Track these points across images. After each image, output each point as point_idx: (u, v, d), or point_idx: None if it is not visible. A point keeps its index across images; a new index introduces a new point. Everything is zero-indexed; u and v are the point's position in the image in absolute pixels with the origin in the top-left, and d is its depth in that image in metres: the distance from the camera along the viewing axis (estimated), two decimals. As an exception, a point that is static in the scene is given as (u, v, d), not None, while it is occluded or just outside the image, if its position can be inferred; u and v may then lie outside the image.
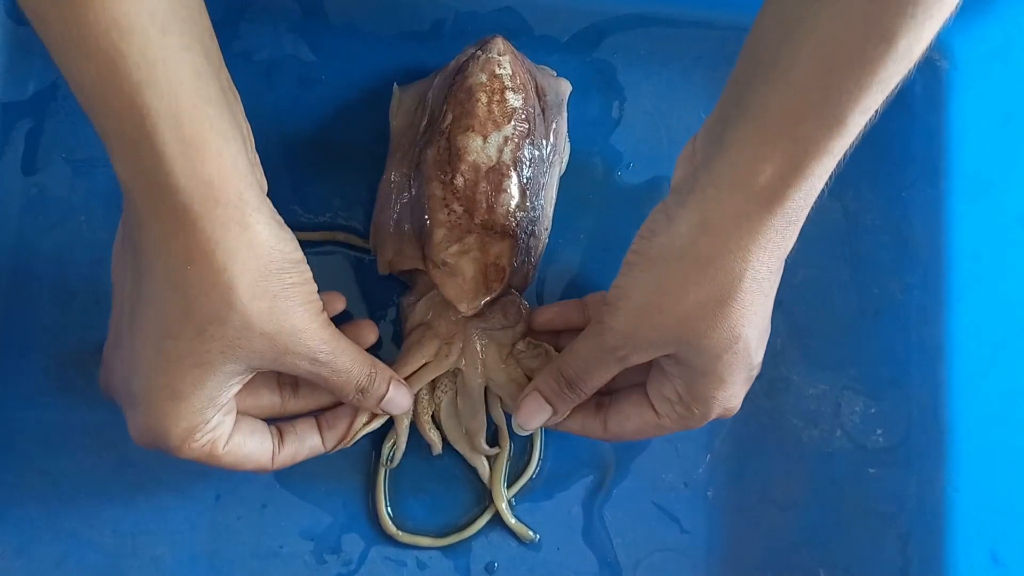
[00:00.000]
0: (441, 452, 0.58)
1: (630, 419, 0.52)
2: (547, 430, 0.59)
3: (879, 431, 0.61)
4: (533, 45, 0.63)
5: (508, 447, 0.59)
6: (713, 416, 0.50)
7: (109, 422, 0.58)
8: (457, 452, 0.58)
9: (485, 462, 0.58)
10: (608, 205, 0.62)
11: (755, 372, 0.50)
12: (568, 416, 0.54)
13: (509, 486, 0.59)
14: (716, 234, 0.44)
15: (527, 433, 0.56)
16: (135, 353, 0.46)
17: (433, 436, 0.57)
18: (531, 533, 0.58)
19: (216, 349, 0.45)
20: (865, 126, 0.42)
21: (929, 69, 0.65)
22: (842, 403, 0.61)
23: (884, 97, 0.42)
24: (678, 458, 0.60)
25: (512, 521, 0.58)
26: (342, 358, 0.50)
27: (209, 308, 0.44)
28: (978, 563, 0.59)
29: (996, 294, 0.62)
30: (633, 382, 0.53)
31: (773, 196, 0.43)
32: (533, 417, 0.54)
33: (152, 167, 0.41)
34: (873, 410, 0.61)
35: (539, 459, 0.59)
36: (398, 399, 0.53)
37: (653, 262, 0.46)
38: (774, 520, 0.60)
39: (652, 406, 0.51)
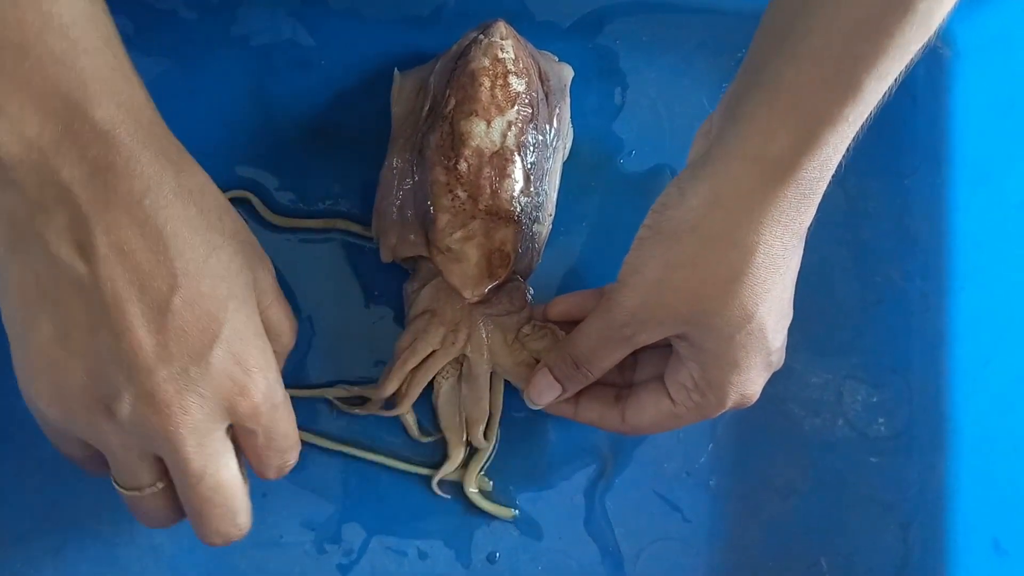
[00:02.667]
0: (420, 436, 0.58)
1: (647, 409, 0.52)
2: (550, 418, 0.59)
3: (881, 420, 0.61)
4: (534, 31, 0.62)
5: (495, 441, 0.58)
6: (730, 404, 0.49)
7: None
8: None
9: (463, 453, 0.58)
10: (610, 193, 0.62)
11: (774, 359, 0.49)
12: (586, 407, 0.54)
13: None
14: (728, 207, 0.44)
15: (538, 408, 0.55)
16: (188, 304, 0.41)
17: (410, 420, 0.57)
18: (511, 510, 0.58)
19: (241, 253, 0.43)
20: (885, 95, 0.42)
21: (932, 57, 0.65)
22: (844, 392, 0.61)
23: (903, 65, 0.41)
24: (680, 447, 0.60)
25: (486, 504, 0.58)
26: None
27: (210, 202, 0.43)
28: (980, 551, 0.59)
29: (998, 282, 0.62)
30: (653, 375, 0.53)
31: (786, 167, 0.42)
32: (542, 394, 0.53)
33: (135, 98, 0.40)
34: (875, 399, 0.61)
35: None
36: None
37: (664, 237, 0.45)
38: (776, 509, 0.60)
39: (669, 395, 0.51)
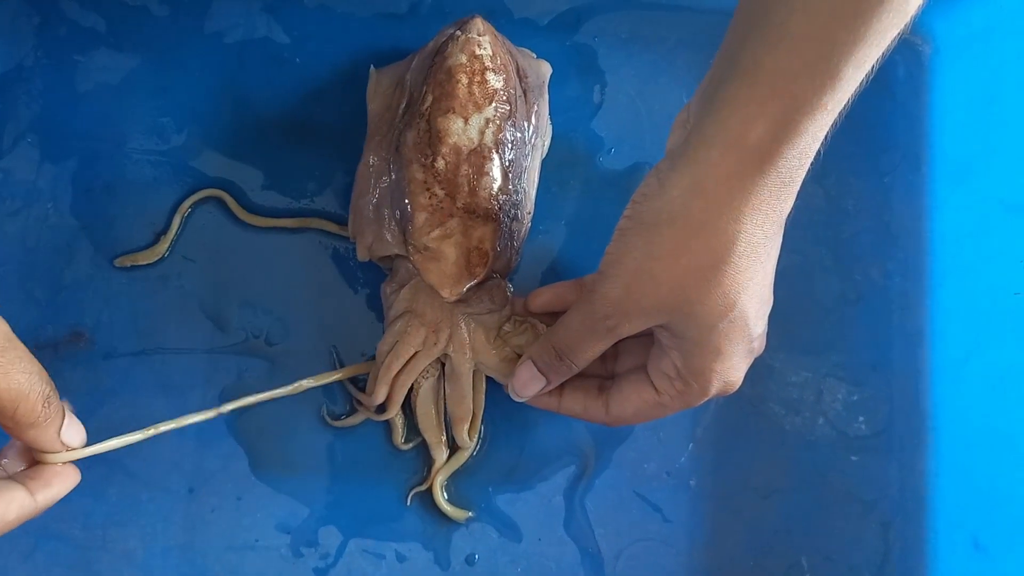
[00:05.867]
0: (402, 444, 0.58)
1: (631, 400, 0.51)
2: (530, 419, 0.58)
3: (861, 418, 0.61)
4: (512, 28, 0.62)
5: (476, 442, 0.58)
6: (713, 391, 0.49)
7: (77, 413, 0.56)
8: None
9: (445, 454, 0.57)
10: (589, 190, 0.62)
11: (756, 345, 0.48)
12: (570, 399, 0.54)
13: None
14: (708, 196, 0.43)
15: (522, 400, 0.54)
16: None
17: (399, 423, 0.57)
18: (466, 513, 0.58)
19: None
20: (862, 83, 0.42)
21: (911, 53, 0.65)
22: (824, 390, 0.61)
23: (880, 51, 0.41)
24: (660, 447, 0.60)
25: (443, 503, 0.57)
26: (13, 361, 0.40)
27: None
28: (960, 549, 0.59)
29: (977, 279, 0.62)
30: (635, 365, 0.52)
31: (765, 154, 0.42)
32: (527, 386, 0.53)
33: None
34: (855, 397, 0.61)
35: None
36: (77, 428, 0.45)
37: (645, 227, 0.45)
38: (756, 508, 0.60)
39: (652, 384, 0.50)
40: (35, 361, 0.41)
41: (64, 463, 0.44)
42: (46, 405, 0.42)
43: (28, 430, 0.42)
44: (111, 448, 0.48)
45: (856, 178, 0.63)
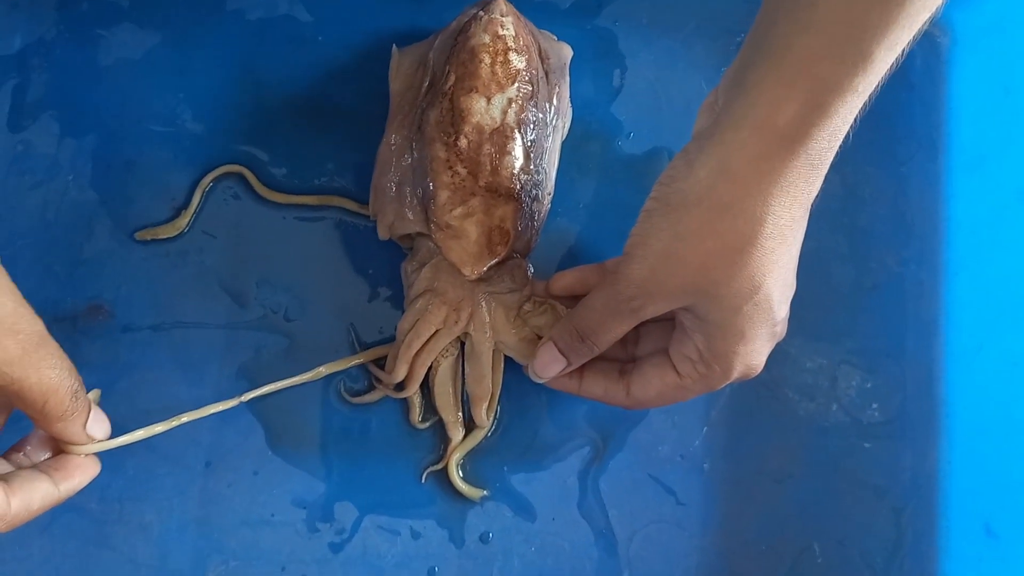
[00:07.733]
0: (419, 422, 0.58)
1: (652, 383, 0.51)
2: (545, 400, 0.59)
3: (875, 405, 0.61)
4: (533, 10, 0.61)
5: (492, 421, 0.58)
6: (735, 375, 0.49)
7: (96, 385, 0.56)
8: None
9: (462, 433, 0.58)
10: (607, 174, 0.62)
11: (779, 329, 0.48)
12: (590, 382, 0.54)
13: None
14: (736, 178, 0.43)
15: (542, 381, 0.55)
16: None
17: (416, 401, 0.57)
18: (481, 491, 0.58)
19: None
20: (893, 64, 0.41)
21: (929, 44, 0.65)
22: (839, 377, 0.61)
23: (912, 34, 0.41)
24: (674, 430, 0.60)
25: (459, 482, 0.58)
26: (45, 357, 0.42)
27: None
28: (972, 536, 0.60)
29: (993, 268, 0.62)
30: (656, 348, 0.52)
31: (795, 137, 0.42)
32: (548, 368, 0.53)
33: None
34: (869, 384, 0.61)
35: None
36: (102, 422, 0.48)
37: (672, 209, 0.45)
38: (769, 492, 0.60)
39: (674, 367, 0.50)
40: (65, 358, 0.43)
41: (87, 455, 0.46)
42: (74, 399, 0.44)
43: (56, 423, 0.44)
44: (134, 440, 0.50)
45: (873, 167, 0.64)
